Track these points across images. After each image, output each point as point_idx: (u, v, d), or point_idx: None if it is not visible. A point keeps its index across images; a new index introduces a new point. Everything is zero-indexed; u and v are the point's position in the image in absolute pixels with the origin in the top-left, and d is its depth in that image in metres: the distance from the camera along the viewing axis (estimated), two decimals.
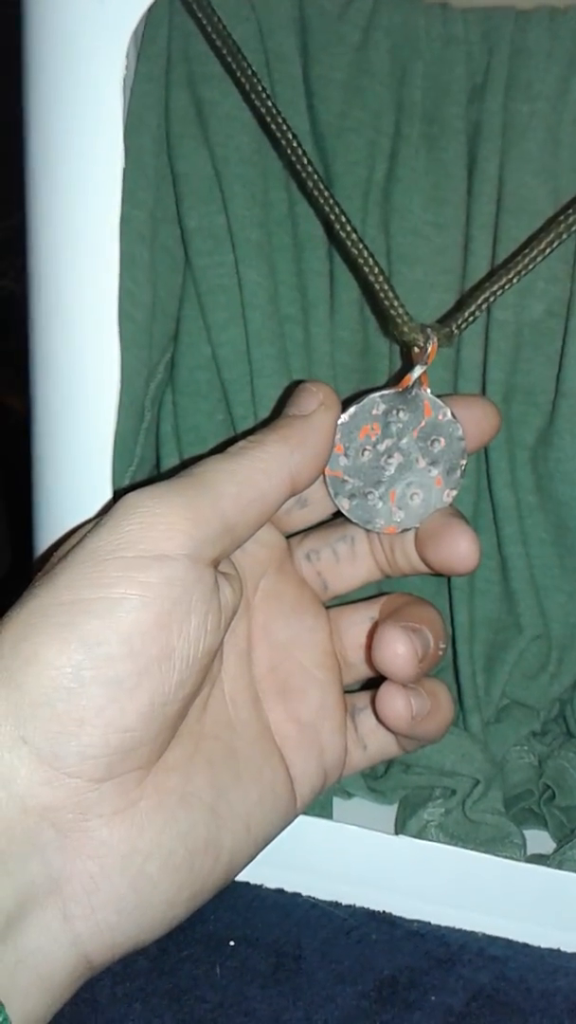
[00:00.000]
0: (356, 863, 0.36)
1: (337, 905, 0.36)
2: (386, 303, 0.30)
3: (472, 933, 0.35)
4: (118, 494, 0.33)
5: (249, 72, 0.30)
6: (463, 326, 0.31)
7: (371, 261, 0.30)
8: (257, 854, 0.29)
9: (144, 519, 0.25)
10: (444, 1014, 0.33)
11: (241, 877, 0.35)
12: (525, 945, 0.35)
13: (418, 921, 0.36)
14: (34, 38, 0.30)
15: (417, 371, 0.31)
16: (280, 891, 0.36)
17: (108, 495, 0.33)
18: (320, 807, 0.37)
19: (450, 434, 0.31)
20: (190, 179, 0.34)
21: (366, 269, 0.30)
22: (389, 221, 0.35)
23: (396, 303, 0.30)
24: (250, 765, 0.29)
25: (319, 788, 0.31)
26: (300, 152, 0.30)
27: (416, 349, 0.31)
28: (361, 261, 0.30)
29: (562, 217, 0.31)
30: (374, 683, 0.32)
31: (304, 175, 0.30)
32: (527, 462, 0.37)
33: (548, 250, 0.31)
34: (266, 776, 0.30)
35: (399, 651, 0.29)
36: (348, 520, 0.32)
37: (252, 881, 0.36)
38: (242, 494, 0.27)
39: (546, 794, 0.38)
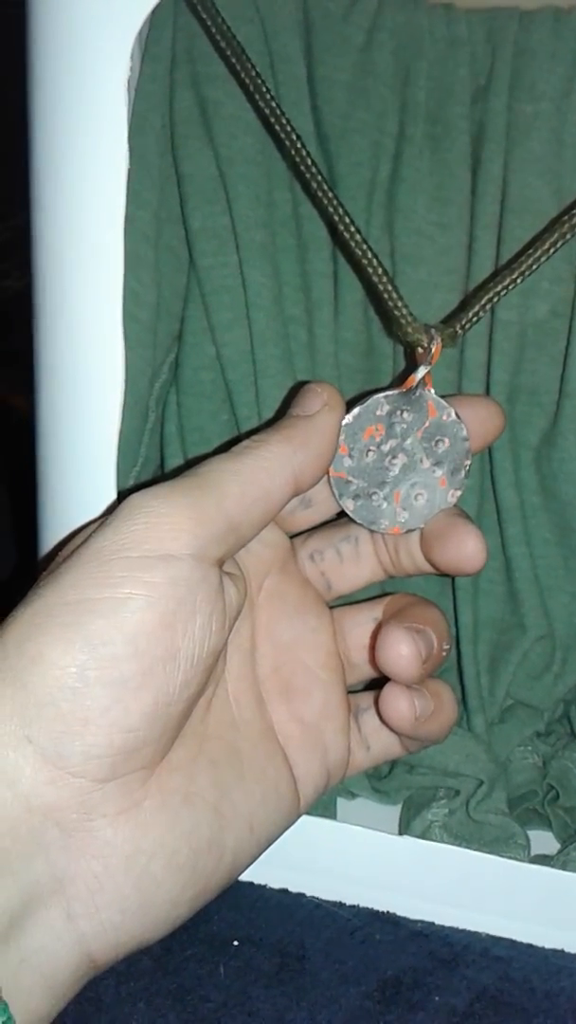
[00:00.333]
0: (360, 863, 0.36)
1: (341, 905, 0.36)
2: (390, 304, 0.30)
3: (476, 933, 0.35)
4: (123, 495, 0.33)
5: (253, 73, 0.30)
6: (467, 326, 0.31)
7: (375, 262, 0.30)
8: (260, 854, 0.29)
9: (149, 519, 0.25)
10: (448, 1014, 0.32)
11: (245, 877, 0.35)
12: (529, 946, 0.35)
13: (422, 921, 0.36)
14: (38, 39, 0.30)
15: (421, 371, 0.31)
16: (284, 891, 0.36)
17: (112, 495, 0.33)
18: (324, 807, 0.37)
19: (454, 434, 0.31)
20: (194, 179, 0.34)
21: (370, 270, 0.30)
22: (393, 222, 0.35)
23: (400, 304, 0.30)
24: (253, 765, 0.29)
25: (322, 788, 0.31)
26: (304, 153, 0.30)
27: (420, 349, 0.31)
28: (365, 262, 0.30)
29: (566, 217, 0.31)
30: (377, 683, 0.32)
31: (308, 176, 0.30)
32: (531, 462, 0.37)
33: (552, 250, 0.31)
34: (269, 776, 0.30)
35: (402, 652, 0.29)
36: (352, 520, 0.32)
37: (256, 881, 0.36)
38: (246, 493, 0.27)
39: (550, 795, 0.38)
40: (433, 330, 0.31)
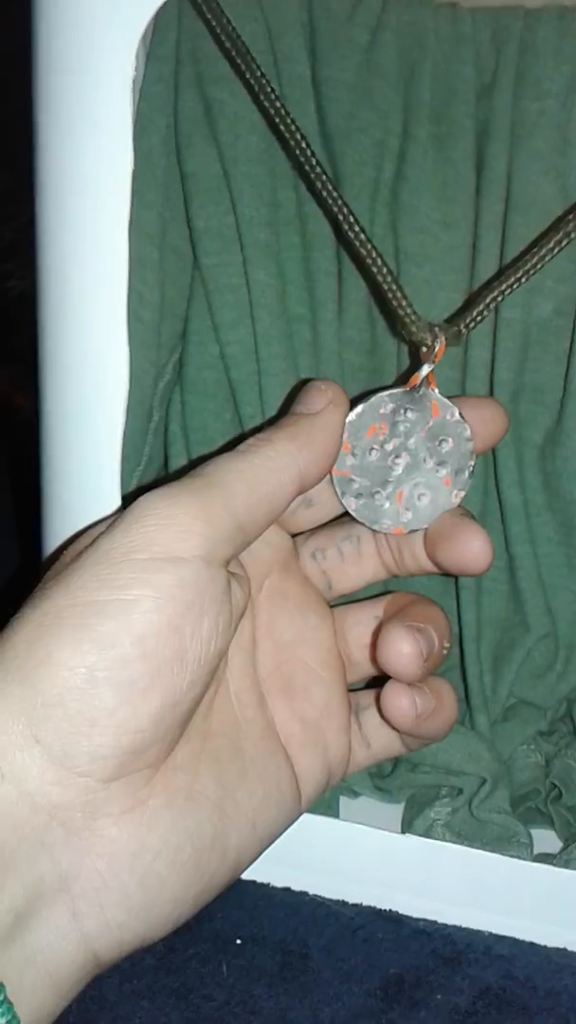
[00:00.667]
0: (363, 862, 0.36)
1: (344, 904, 0.36)
2: (394, 302, 0.30)
3: (478, 932, 0.35)
4: (127, 498, 0.33)
5: (258, 73, 0.30)
6: (471, 325, 0.31)
7: (379, 261, 0.30)
8: (263, 851, 0.29)
9: (158, 521, 0.26)
10: (450, 1012, 0.33)
11: (248, 875, 0.35)
12: (531, 944, 0.35)
13: (424, 920, 0.36)
14: (44, 40, 0.30)
15: (425, 370, 0.31)
16: (287, 889, 0.36)
17: (116, 494, 0.33)
18: (327, 806, 0.37)
19: (458, 434, 0.31)
20: (199, 179, 0.34)
21: (374, 269, 0.30)
22: (397, 220, 0.35)
23: (404, 302, 0.30)
24: (256, 763, 0.29)
25: (323, 786, 0.31)
26: (309, 153, 0.30)
27: (424, 348, 0.31)
28: (369, 261, 0.30)
29: (571, 216, 0.31)
30: (378, 681, 0.32)
31: (312, 175, 0.30)
32: (535, 461, 0.37)
33: (557, 249, 0.31)
34: (271, 774, 0.30)
35: (404, 651, 0.30)
36: (354, 520, 0.32)
37: (259, 879, 0.36)
38: (252, 493, 0.27)
39: (553, 793, 0.38)
40: (437, 328, 0.31)
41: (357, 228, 0.30)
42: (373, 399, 0.31)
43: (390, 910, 0.36)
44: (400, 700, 0.31)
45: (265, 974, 0.34)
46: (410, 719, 0.31)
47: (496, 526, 0.38)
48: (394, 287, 0.30)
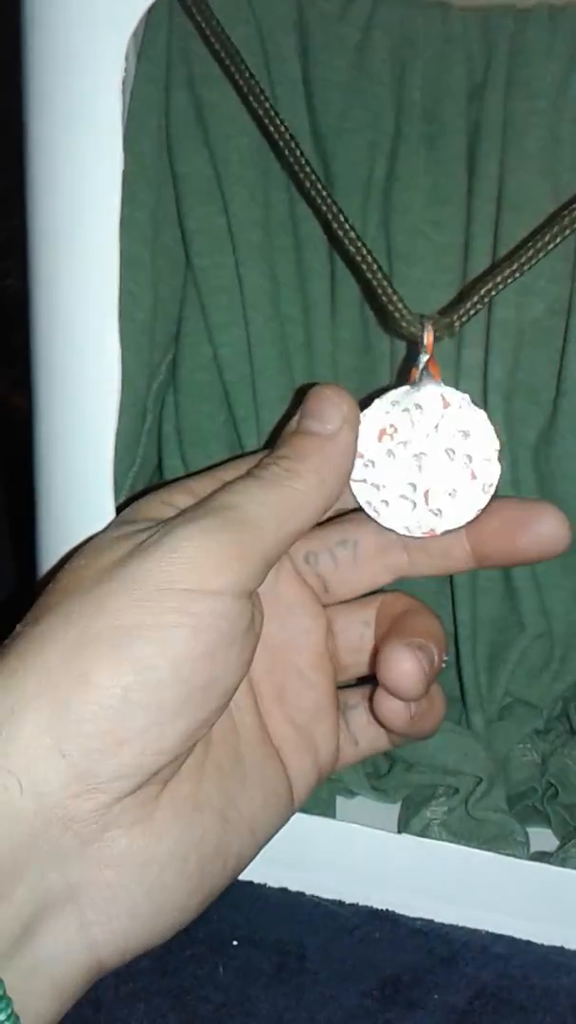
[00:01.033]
0: (359, 862, 0.36)
1: (340, 904, 0.36)
2: (384, 298, 0.30)
3: (475, 931, 0.35)
4: (123, 505, 0.33)
5: (247, 75, 0.30)
6: (464, 318, 0.30)
7: (369, 258, 0.30)
8: (257, 854, 0.29)
9: (195, 554, 0.26)
10: (447, 1012, 0.33)
11: (244, 876, 0.35)
12: (528, 943, 0.35)
13: (421, 919, 0.36)
14: (34, 39, 0.30)
15: (423, 360, 0.30)
16: (283, 890, 0.36)
17: (110, 495, 0.33)
18: (323, 806, 0.37)
19: (474, 421, 0.30)
20: (190, 180, 0.34)
21: (363, 266, 0.30)
22: (389, 220, 0.35)
23: (394, 298, 0.30)
24: (254, 769, 0.30)
25: (313, 786, 0.32)
26: (298, 154, 0.30)
27: (427, 343, 0.30)
28: (359, 258, 0.30)
29: (566, 212, 0.30)
30: (366, 676, 0.32)
31: (302, 175, 0.30)
32: (529, 461, 0.37)
33: (552, 245, 0.30)
34: (269, 779, 0.30)
35: (407, 671, 0.30)
36: (349, 522, 0.32)
37: (255, 880, 0.36)
38: (281, 528, 0.28)
39: (549, 792, 0.38)
40: (424, 318, 0.30)
41: (347, 227, 0.30)
42: (377, 403, 0.30)
43: (387, 910, 0.36)
44: (394, 704, 0.31)
45: (262, 975, 0.33)
46: (404, 722, 0.31)
47: None
48: (384, 284, 0.30)
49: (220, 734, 0.29)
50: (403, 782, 0.38)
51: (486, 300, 0.30)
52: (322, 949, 0.34)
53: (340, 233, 0.30)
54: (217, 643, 0.26)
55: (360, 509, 0.31)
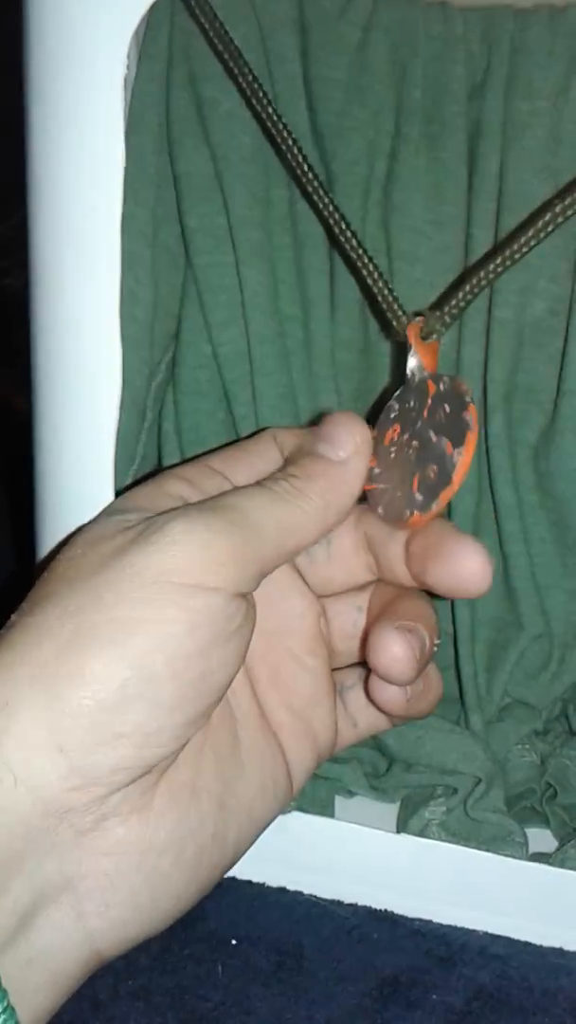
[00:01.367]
0: (358, 862, 0.36)
1: (339, 904, 0.36)
2: (379, 296, 0.30)
3: (474, 932, 0.35)
4: (119, 493, 0.33)
5: (248, 74, 0.30)
6: (454, 311, 0.30)
7: (365, 257, 0.30)
8: (255, 841, 0.29)
9: (193, 549, 0.26)
10: (445, 1013, 0.33)
11: (243, 875, 0.35)
12: (527, 944, 0.35)
13: (420, 920, 0.36)
14: (35, 38, 0.30)
15: (411, 361, 0.30)
16: (282, 890, 0.36)
17: (110, 493, 0.33)
18: (322, 805, 0.37)
19: (451, 393, 0.29)
20: (191, 178, 0.34)
21: (360, 264, 0.30)
22: (389, 220, 0.35)
23: (388, 295, 0.30)
24: (252, 755, 0.30)
25: (312, 770, 0.32)
26: (298, 151, 0.30)
27: (428, 338, 0.30)
28: (355, 257, 0.30)
29: (556, 199, 0.30)
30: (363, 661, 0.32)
31: (300, 174, 0.30)
32: (528, 460, 0.37)
33: (543, 234, 0.29)
34: (267, 764, 0.30)
35: (397, 654, 0.29)
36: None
37: (254, 880, 0.36)
38: (281, 544, 0.28)
39: (548, 792, 0.38)
40: (415, 315, 0.30)
41: (344, 225, 0.30)
42: (383, 412, 0.30)
43: (385, 910, 0.36)
44: (388, 688, 0.31)
45: (260, 975, 0.33)
46: (400, 704, 0.31)
47: (490, 526, 0.38)
48: (380, 282, 0.30)
49: (217, 720, 0.29)
50: (402, 782, 0.38)
51: (476, 292, 0.30)
52: (320, 949, 0.34)
53: (336, 230, 0.30)
54: (212, 640, 0.26)
55: None
